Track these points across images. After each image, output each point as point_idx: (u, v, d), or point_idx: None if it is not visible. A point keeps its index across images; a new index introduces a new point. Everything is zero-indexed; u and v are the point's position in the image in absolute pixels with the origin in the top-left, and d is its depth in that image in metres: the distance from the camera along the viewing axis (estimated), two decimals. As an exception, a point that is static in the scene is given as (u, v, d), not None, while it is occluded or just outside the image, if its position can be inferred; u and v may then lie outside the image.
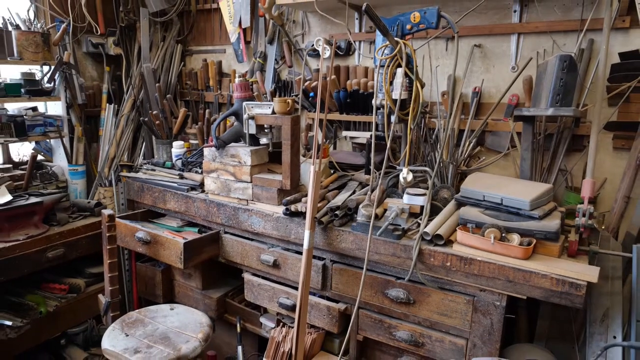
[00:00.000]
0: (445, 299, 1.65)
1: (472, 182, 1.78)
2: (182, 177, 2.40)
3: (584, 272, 1.42)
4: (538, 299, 1.49)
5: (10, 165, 2.63)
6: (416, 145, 2.11)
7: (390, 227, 1.68)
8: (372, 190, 1.83)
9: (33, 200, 2.35)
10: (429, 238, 1.63)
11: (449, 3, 2.21)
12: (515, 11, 2.07)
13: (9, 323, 2.10)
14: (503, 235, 1.55)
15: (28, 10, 2.65)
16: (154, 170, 2.53)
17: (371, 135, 1.95)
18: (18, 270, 2.25)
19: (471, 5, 2.00)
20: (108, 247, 2.15)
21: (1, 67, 2.57)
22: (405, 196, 1.80)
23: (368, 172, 2.11)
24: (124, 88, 3.03)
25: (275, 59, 2.71)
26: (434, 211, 1.78)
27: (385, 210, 1.79)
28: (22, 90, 2.50)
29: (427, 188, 1.81)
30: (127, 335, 1.91)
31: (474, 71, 2.23)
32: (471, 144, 2.12)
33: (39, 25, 2.65)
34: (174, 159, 2.59)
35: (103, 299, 2.28)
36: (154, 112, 2.69)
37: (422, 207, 1.76)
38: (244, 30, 2.81)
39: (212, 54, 3.07)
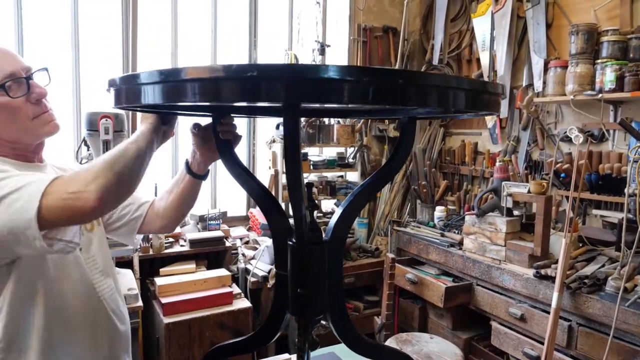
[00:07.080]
0: (701, 379, 1.77)
1: None
2: (442, 235, 3.05)
3: None
4: None
5: (322, 214, 3.79)
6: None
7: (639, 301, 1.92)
8: (622, 266, 2.09)
9: (338, 240, 3.37)
10: (682, 316, 1.80)
11: None
12: None
13: (323, 322, 3.07)
14: None
15: (342, 109, 3.85)
16: (419, 227, 3.28)
17: (623, 217, 2.21)
18: (326, 288, 3.24)
19: None
20: (388, 281, 2.94)
21: (325, 148, 3.79)
22: (657, 275, 1.99)
23: (618, 250, 2.32)
24: (397, 161, 3.94)
25: (528, 142, 3.16)
26: (691, 294, 1.91)
27: (636, 285, 2.00)
28: (335, 164, 3.65)
29: (683, 271, 1.96)
30: (401, 349, 2.59)
31: None
32: None
33: (348, 120, 3.81)
34: (435, 220, 3.28)
35: (378, 320, 3.07)
36: (422, 183, 3.47)
37: (676, 288, 1.92)
38: (500, 118, 3.38)
39: (470, 135, 3.72)
